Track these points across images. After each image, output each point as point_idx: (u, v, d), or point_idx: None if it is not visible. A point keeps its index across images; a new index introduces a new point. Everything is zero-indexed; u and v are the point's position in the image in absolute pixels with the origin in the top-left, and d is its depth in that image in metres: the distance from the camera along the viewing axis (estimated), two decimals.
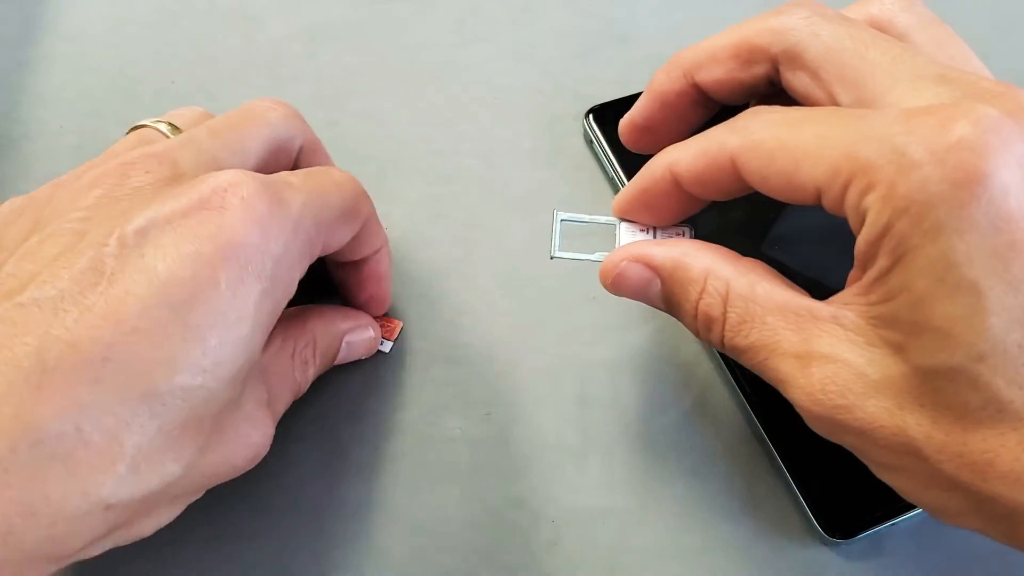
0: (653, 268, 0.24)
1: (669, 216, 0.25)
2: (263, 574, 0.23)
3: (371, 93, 0.35)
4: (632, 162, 0.30)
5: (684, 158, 0.23)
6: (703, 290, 0.23)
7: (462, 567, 0.27)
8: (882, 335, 0.20)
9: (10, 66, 0.34)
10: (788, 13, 0.23)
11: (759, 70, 0.24)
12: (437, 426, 0.29)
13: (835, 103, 0.22)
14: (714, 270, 0.23)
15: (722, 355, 0.29)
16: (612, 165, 0.32)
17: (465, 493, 0.28)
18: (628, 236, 0.26)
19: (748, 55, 0.24)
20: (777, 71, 0.23)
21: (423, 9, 0.37)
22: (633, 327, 0.30)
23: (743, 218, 0.31)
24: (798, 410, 0.21)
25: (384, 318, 0.30)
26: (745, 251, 0.23)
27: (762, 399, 0.28)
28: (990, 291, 0.18)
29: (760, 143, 0.21)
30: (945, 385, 0.18)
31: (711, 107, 0.26)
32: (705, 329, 0.23)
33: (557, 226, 0.27)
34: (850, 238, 0.20)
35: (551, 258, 0.26)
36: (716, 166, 0.22)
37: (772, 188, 0.21)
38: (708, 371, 0.30)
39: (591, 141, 0.34)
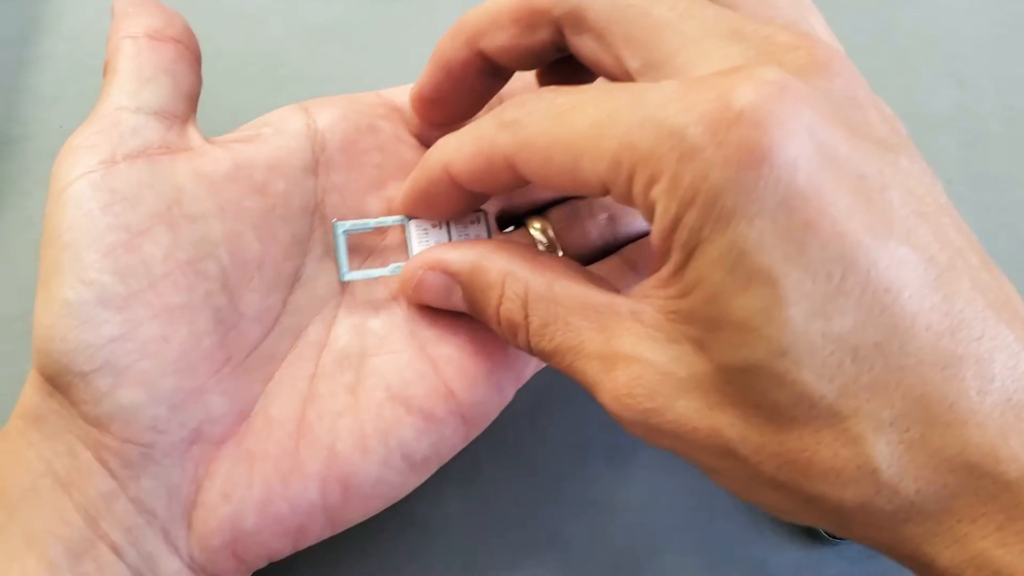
0: (451, 275, 0.22)
1: (456, 211, 0.23)
2: (262, 572, 0.23)
3: None
4: None
5: (457, 159, 0.21)
6: (502, 295, 0.21)
7: (462, 565, 0.27)
8: (682, 331, 0.18)
9: (10, 66, 0.34)
10: None
11: (543, 35, 0.21)
12: None
13: (624, 68, 0.20)
14: (512, 271, 0.21)
15: None
16: None
17: (465, 490, 0.28)
18: (419, 234, 0.24)
19: (530, 18, 0.21)
20: (563, 35, 0.21)
21: (423, 9, 0.37)
22: None
23: None
24: (611, 415, 0.19)
25: None
26: None
27: None
28: (785, 278, 0.16)
29: (532, 141, 0.19)
30: (751, 383, 0.17)
31: (503, 75, 0.24)
32: (511, 335, 0.21)
33: (341, 241, 0.23)
34: None
35: (340, 281, 0.23)
36: (493, 168, 0.20)
37: (557, 187, 0.20)
38: None
39: None
